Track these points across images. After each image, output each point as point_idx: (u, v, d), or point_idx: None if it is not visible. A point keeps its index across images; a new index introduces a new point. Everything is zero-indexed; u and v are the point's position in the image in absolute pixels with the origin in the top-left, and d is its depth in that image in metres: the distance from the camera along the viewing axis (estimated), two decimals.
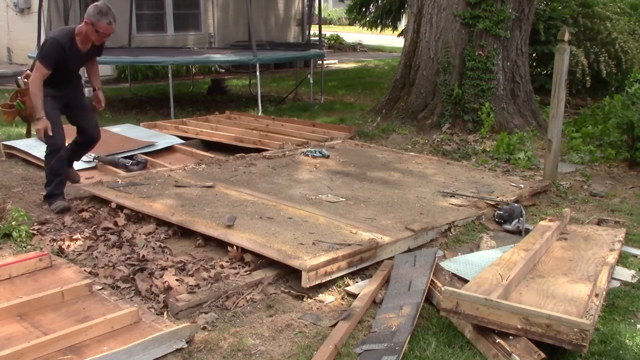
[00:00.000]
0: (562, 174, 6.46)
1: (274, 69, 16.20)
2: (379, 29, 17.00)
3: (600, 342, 3.22)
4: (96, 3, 4.86)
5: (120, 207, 4.86)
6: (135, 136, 7.36)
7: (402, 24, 17.42)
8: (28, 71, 5.24)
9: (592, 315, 3.15)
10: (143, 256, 4.01)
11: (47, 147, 5.00)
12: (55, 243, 4.33)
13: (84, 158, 5.95)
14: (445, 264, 4.03)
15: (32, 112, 5.14)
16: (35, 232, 4.49)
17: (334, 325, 3.32)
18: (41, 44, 5.12)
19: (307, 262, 3.72)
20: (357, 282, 3.89)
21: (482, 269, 3.87)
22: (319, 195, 5.30)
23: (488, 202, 5.29)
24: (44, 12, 10.40)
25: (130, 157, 6.46)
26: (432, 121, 8.39)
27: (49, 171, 5.02)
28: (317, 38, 12.44)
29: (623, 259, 4.32)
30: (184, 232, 4.56)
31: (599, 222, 5.14)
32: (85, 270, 3.89)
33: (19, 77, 5.36)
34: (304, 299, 3.66)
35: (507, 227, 4.93)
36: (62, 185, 5.14)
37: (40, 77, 4.79)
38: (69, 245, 4.29)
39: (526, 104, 8.71)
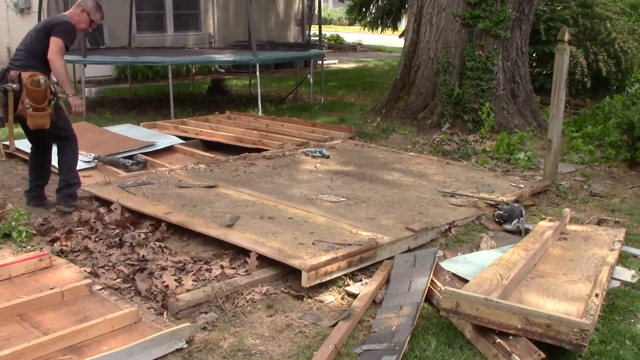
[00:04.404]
0: (562, 174, 6.46)
1: (274, 69, 16.21)
2: (379, 29, 16.99)
3: (600, 342, 3.22)
4: None
5: (121, 207, 4.85)
6: (135, 136, 7.37)
7: (403, 25, 17.40)
8: (15, 71, 4.64)
9: (592, 315, 3.15)
10: (143, 256, 4.01)
11: (63, 140, 4.66)
12: (55, 243, 4.33)
13: (84, 158, 5.94)
14: (445, 264, 4.03)
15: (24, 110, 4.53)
16: (35, 232, 4.49)
17: (334, 325, 3.32)
18: (54, 22, 4.78)
19: (307, 261, 3.72)
20: (357, 282, 3.89)
21: (482, 269, 3.87)
22: (319, 195, 5.30)
23: (488, 202, 5.29)
24: (44, 12, 10.41)
25: (130, 157, 6.46)
26: (432, 121, 8.39)
27: (73, 162, 4.61)
28: (317, 38, 12.44)
29: (623, 259, 4.32)
30: (184, 232, 4.56)
31: (599, 222, 5.14)
32: (85, 270, 3.89)
33: (12, 85, 4.56)
34: (304, 299, 3.66)
35: (507, 227, 4.93)
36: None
37: (63, 54, 4.64)
38: (68, 245, 4.29)
39: (526, 104, 8.70)
